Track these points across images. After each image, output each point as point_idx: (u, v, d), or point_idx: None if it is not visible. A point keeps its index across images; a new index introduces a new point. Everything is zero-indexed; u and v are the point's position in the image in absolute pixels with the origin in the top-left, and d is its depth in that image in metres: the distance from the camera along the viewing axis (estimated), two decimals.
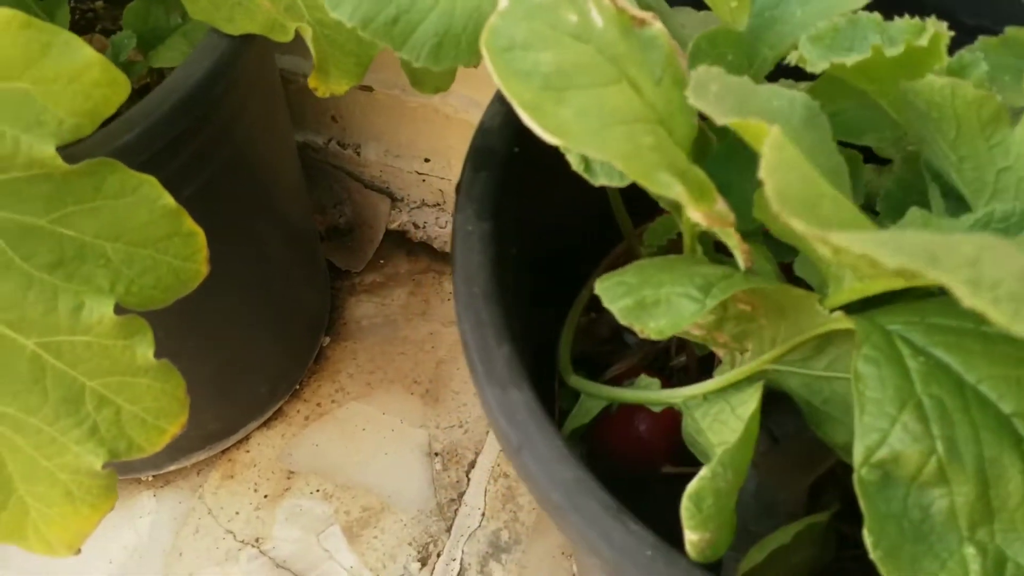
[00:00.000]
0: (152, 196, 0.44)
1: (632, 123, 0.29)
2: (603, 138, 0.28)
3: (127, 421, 0.44)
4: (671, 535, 0.33)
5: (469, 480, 0.76)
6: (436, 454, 0.77)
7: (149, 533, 0.76)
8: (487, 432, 0.78)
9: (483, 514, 0.74)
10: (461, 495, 0.75)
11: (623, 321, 0.32)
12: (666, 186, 0.29)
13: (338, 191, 0.91)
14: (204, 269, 0.46)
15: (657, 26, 0.33)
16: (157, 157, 0.51)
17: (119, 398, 0.44)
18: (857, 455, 0.29)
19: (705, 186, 0.30)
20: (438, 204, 0.90)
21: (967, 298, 0.21)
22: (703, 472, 0.33)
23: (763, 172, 0.25)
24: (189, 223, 0.45)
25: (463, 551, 0.73)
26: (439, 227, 0.90)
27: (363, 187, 0.91)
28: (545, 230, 0.48)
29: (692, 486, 0.33)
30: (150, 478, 0.79)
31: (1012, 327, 0.21)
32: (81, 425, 0.44)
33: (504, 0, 0.29)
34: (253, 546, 0.75)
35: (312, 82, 0.53)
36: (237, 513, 0.76)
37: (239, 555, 0.74)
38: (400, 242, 0.90)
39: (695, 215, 0.30)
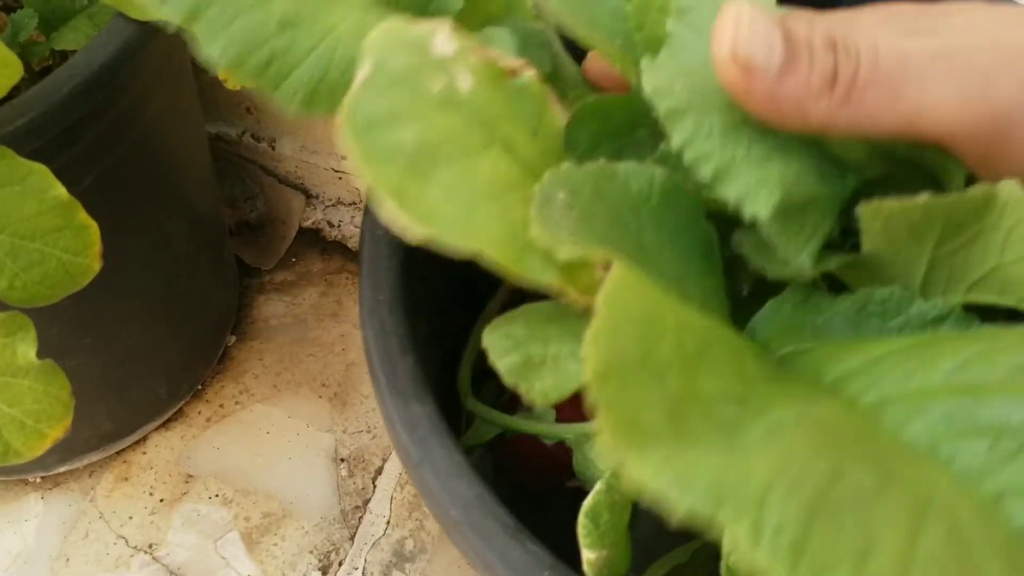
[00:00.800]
0: (42, 186, 0.42)
1: (504, 195, 0.28)
2: (473, 221, 0.26)
3: (4, 424, 0.42)
4: (571, 553, 0.33)
5: (375, 487, 0.75)
6: (342, 460, 0.76)
7: (35, 538, 0.73)
8: None
9: (388, 522, 0.73)
10: (366, 502, 0.74)
11: (508, 381, 0.30)
12: (538, 272, 0.27)
13: (250, 185, 0.89)
14: (96, 265, 0.44)
15: (528, 74, 0.32)
16: (52, 144, 0.49)
17: None
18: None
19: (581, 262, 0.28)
20: (354, 203, 0.89)
21: (746, 549, 0.20)
22: (598, 487, 0.32)
23: (586, 343, 0.23)
24: (82, 216, 0.43)
25: (366, 560, 0.71)
26: (354, 227, 0.88)
27: (277, 182, 0.89)
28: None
29: (588, 502, 0.32)
30: (38, 479, 0.75)
31: None
32: None
33: (364, 70, 0.27)
34: (146, 552, 0.72)
35: (222, 72, 0.51)
36: (130, 518, 0.73)
37: (131, 561, 0.71)
38: (314, 240, 0.88)
39: (572, 297, 0.28)
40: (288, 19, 0.33)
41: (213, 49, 0.32)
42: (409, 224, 0.26)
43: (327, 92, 0.33)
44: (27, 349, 0.41)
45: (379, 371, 0.37)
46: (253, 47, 0.32)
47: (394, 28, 0.28)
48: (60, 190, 0.42)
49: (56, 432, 0.42)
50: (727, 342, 0.27)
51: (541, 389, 0.30)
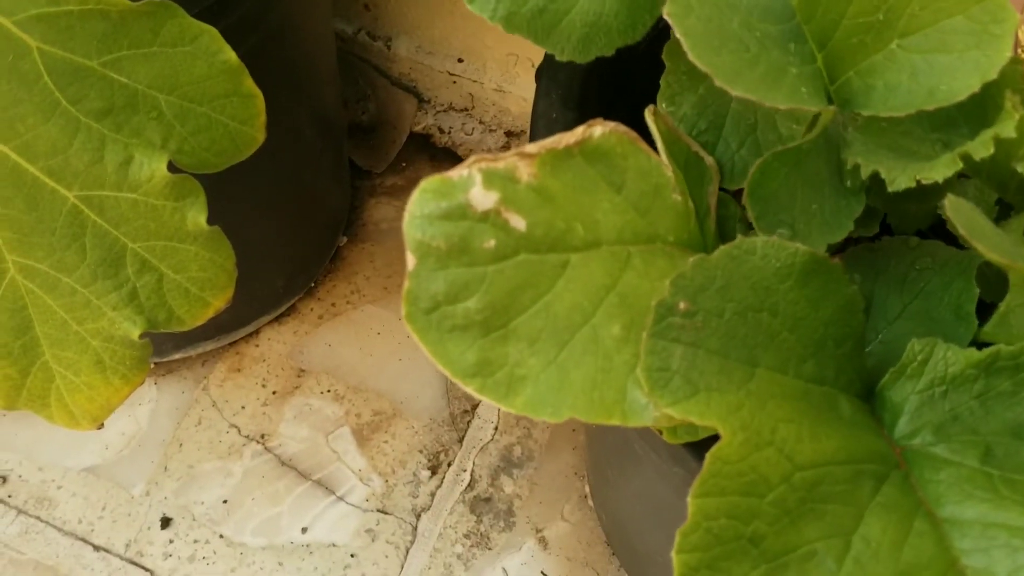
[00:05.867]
0: (212, 49, 0.40)
1: (586, 323, 0.26)
2: (564, 371, 0.26)
3: (169, 290, 0.41)
4: None
5: None
6: None
7: (149, 422, 0.74)
8: None
9: (496, 428, 0.73)
10: (475, 407, 0.74)
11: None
12: (637, 413, 0.26)
13: (363, 86, 0.87)
14: (261, 136, 0.43)
15: (597, 131, 0.30)
16: (207, 12, 0.47)
17: (163, 264, 0.41)
18: None
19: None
20: (466, 109, 0.87)
21: None
22: None
23: (679, 538, 0.25)
24: (249, 84, 0.42)
25: (474, 463, 0.71)
26: (465, 134, 0.87)
27: (390, 84, 0.87)
28: (631, 124, 0.45)
29: None
30: (152, 364, 0.76)
31: None
32: (119, 289, 0.41)
33: (410, 259, 0.26)
34: (258, 442, 0.72)
35: None
36: (243, 408, 0.74)
37: (243, 450, 0.72)
38: (424, 146, 0.87)
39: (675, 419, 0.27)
40: None
41: (482, 5, 0.32)
42: (496, 402, 0.26)
43: (603, 32, 0.33)
44: (197, 214, 0.40)
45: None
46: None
47: (427, 195, 0.27)
48: (230, 54, 0.41)
49: (219, 302, 0.42)
50: (837, 474, 0.27)
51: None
